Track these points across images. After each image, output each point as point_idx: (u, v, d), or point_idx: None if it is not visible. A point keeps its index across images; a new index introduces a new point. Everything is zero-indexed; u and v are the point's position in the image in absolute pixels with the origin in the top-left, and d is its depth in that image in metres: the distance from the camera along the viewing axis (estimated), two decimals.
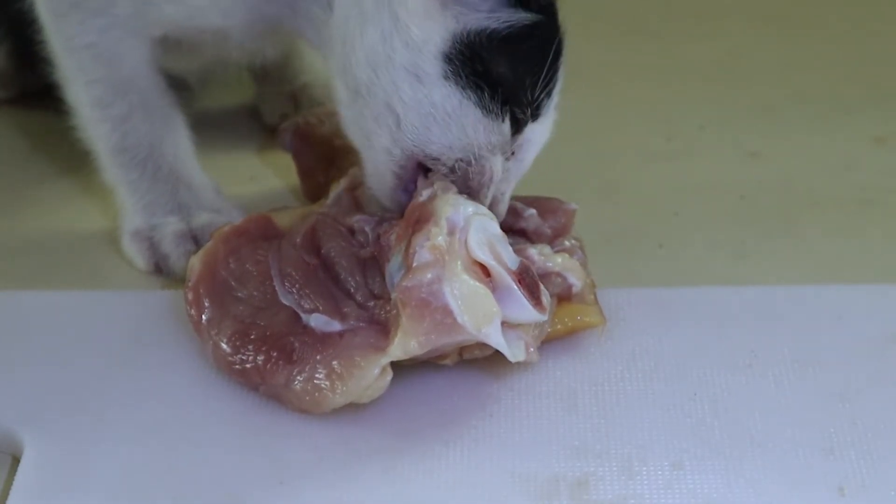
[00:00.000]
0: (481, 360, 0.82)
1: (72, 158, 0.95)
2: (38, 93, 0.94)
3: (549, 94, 0.81)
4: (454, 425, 0.78)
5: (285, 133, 0.98)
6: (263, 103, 1.10)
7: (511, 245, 0.79)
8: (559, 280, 0.82)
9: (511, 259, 0.78)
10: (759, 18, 1.30)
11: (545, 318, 0.78)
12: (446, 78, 0.78)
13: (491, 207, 0.82)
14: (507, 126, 0.80)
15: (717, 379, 0.81)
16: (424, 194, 0.79)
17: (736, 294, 0.88)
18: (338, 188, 0.85)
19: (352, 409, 0.78)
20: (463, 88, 0.78)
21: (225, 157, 1.06)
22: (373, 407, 0.78)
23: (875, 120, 1.11)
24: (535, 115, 0.81)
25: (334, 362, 0.76)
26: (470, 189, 0.81)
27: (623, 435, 0.77)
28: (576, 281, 0.82)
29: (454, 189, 0.79)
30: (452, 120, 0.79)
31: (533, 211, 0.84)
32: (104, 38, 0.89)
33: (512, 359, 0.77)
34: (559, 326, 0.82)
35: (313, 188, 0.96)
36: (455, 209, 0.77)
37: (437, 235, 0.76)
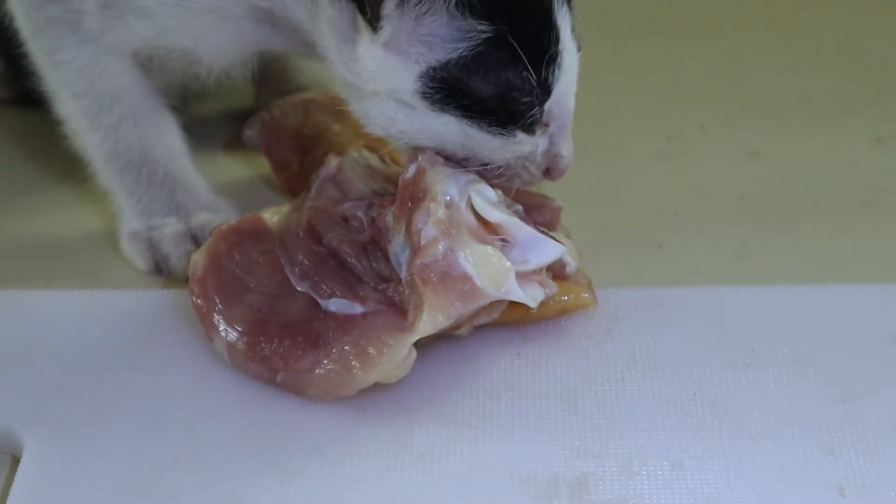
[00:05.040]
0: (482, 359, 0.82)
1: (72, 159, 0.95)
2: (41, 93, 0.94)
3: (553, 61, 0.78)
4: (454, 425, 0.78)
5: (251, 130, 0.99)
6: (262, 105, 1.10)
7: None
8: None
9: (512, 214, 0.80)
10: (759, 18, 1.30)
11: (566, 249, 0.81)
12: (434, 111, 0.78)
13: (553, 169, 0.82)
14: (521, 135, 0.79)
15: (717, 379, 0.81)
16: (411, 170, 0.79)
17: (736, 294, 0.88)
18: (318, 179, 0.86)
19: (352, 409, 0.78)
20: (458, 119, 0.78)
21: (223, 158, 1.06)
22: (373, 406, 0.79)
23: (875, 120, 1.11)
24: (546, 94, 0.79)
25: (362, 342, 0.77)
26: (518, 176, 0.81)
27: (623, 435, 0.77)
28: (570, 260, 0.83)
29: (440, 160, 0.80)
30: (464, 141, 0.79)
31: (519, 207, 0.84)
32: (82, 53, 0.89)
33: (533, 304, 0.79)
34: (551, 304, 0.82)
35: (289, 181, 0.97)
36: (448, 182, 0.78)
37: (436, 210, 0.77)
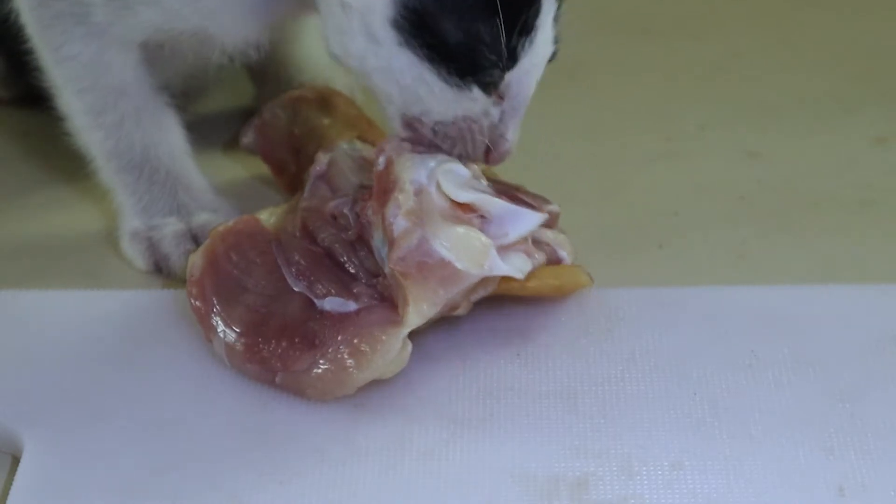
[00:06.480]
0: (482, 360, 0.82)
1: (72, 159, 0.95)
2: (41, 93, 0.94)
3: (526, 33, 0.78)
4: (454, 425, 0.78)
5: (247, 137, 0.99)
6: (263, 105, 1.10)
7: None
8: (549, 249, 0.83)
9: (486, 188, 0.80)
10: (759, 18, 1.30)
11: (546, 215, 0.81)
12: (401, 45, 0.78)
13: (493, 149, 0.81)
14: (476, 92, 0.79)
15: (717, 379, 0.81)
16: (380, 162, 0.80)
17: (736, 294, 0.88)
18: (310, 178, 0.86)
19: (352, 408, 0.78)
20: (421, 59, 0.78)
21: (222, 159, 1.06)
22: (373, 407, 0.78)
23: (875, 120, 1.11)
24: (512, 62, 0.78)
25: (355, 340, 0.77)
26: (463, 143, 0.81)
27: (623, 435, 0.77)
28: (565, 255, 0.83)
29: (407, 147, 0.80)
30: (420, 88, 0.79)
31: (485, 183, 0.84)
32: (89, 47, 0.89)
33: (521, 275, 0.78)
34: (549, 281, 0.82)
35: (289, 180, 0.97)
36: (416, 168, 0.79)
37: (406, 201, 0.77)
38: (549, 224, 0.86)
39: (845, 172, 1.04)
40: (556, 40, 0.81)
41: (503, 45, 0.77)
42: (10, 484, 0.75)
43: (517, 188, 0.86)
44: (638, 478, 0.74)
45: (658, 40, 1.25)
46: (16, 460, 0.78)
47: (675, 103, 1.14)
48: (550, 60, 0.82)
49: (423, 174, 0.78)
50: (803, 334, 0.84)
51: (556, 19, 0.81)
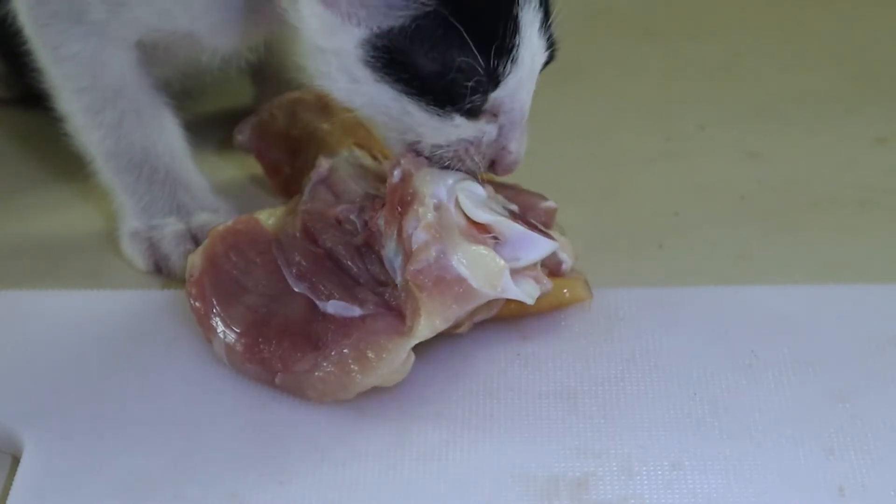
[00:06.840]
0: (481, 359, 0.82)
1: (72, 159, 0.95)
2: (41, 93, 0.94)
3: (507, 53, 0.77)
4: (454, 425, 0.78)
5: (242, 135, 0.99)
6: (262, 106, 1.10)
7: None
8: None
9: (502, 211, 0.80)
10: (759, 18, 1.30)
11: (558, 245, 0.81)
12: (378, 82, 0.78)
13: (498, 163, 0.81)
14: (459, 119, 0.78)
15: (717, 379, 0.81)
16: (396, 174, 0.79)
17: (736, 294, 0.88)
18: (310, 182, 0.85)
19: (352, 408, 0.78)
20: (398, 94, 0.78)
21: (218, 159, 1.06)
22: (373, 407, 0.78)
23: (875, 120, 1.11)
24: (493, 85, 0.78)
25: (361, 345, 0.77)
26: (461, 161, 0.80)
27: (623, 435, 0.77)
28: (566, 258, 0.83)
29: (425, 162, 0.80)
30: (407, 119, 0.79)
31: (514, 207, 0.84)
32: (86, 46, 0.89)
33: (530, 300, 0.78)
34: (548, 297, 0.82)
35: (283, 182, 0.97)
36: (435, 183, 0.78)
37: (425, 214, 0.77)
38: (546, 221, 0.86)
39: (845, 172, 1.04)
40: (552, 44, 0.81)
41: (481, 70, 0.77)
42: (10, 484, 0.75)
43: (512, 188, 0.87)
44: (638, 478, 0.74)
45: (658, 40, 1.25)
46: (16, 460, 0.78)
47: (675, 103, 1.14)
48: (548, 63, 0.81)
49: (442, 190, 0.78)
50: (803, 334, 0.84)
51: (547, 26, 0.80)
